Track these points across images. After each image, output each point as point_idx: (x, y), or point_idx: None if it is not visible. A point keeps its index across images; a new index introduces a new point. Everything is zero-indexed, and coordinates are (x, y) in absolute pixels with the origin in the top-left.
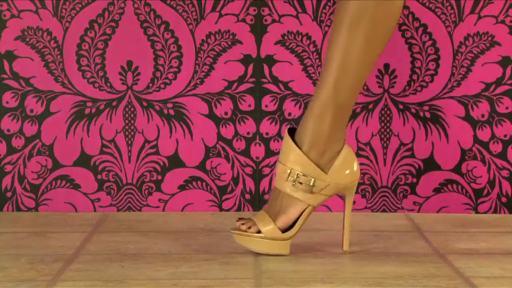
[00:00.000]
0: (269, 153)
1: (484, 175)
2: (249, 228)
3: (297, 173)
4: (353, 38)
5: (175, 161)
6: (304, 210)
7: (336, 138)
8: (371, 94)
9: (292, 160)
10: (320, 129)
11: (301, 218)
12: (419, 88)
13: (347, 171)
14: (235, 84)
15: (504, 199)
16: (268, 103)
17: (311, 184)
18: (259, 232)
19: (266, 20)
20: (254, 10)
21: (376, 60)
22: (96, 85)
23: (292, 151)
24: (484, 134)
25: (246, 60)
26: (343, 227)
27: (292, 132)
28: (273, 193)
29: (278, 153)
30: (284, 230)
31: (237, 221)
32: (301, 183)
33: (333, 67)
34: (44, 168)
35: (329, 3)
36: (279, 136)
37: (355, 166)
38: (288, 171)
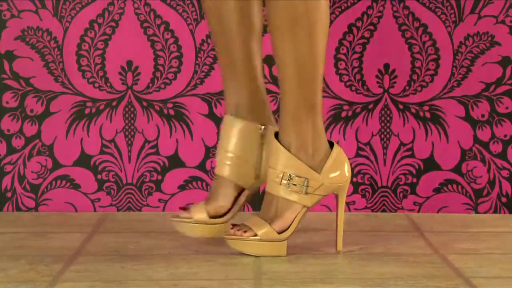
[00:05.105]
0: None
1: (484, 175)
2: (245, 232)
3: (290, 175)
4: (297, 38)
5: (175, 161)
6: (300, 212)
7: (318, 139)
8: (371, 94)
9: (283, 164)
10: (302, 131)
11: (296, 219)
12: (419, 88)
13: (339, 171)
14: None
15: (504, 199)
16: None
17: (305, 184)
18: (255, 235)
19: (266, 20)
20: None
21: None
22: (96, 85)
23: (281, 154)
24: (484, 134)
25: None
26: (336, 227)
27: (276, 135)
28: (266, 199)
29: None
30: (279, 232)
31: (231, 228)
32: (295, 185)
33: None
34: (44, 168)
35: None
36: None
37: (346, 166)
38: (281, 174)
